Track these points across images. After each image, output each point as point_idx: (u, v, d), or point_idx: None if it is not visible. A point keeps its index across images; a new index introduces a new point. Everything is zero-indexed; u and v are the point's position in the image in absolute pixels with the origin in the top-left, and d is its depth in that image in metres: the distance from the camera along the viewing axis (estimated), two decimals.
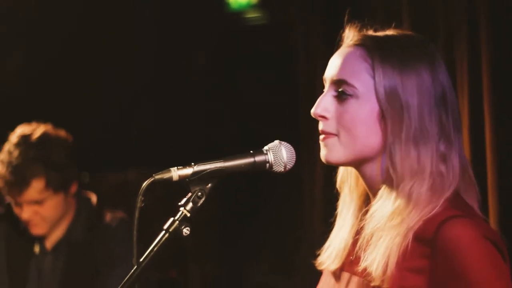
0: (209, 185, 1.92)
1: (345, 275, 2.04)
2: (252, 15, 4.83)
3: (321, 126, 2.00)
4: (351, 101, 1.95)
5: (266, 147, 1.97)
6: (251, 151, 1.96)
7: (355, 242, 2.01)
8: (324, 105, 1.99)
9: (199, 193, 1.91)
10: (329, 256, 2.09)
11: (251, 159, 1.95)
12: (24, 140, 3.43)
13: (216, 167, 1.92)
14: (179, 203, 1.91)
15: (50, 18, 4.60)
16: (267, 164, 1.95)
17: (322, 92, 2.02)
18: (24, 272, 3.56)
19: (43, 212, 3.45)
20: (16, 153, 3.40)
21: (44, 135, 3.46)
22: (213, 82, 4.87)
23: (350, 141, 1.96)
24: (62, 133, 3.53)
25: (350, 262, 2.03)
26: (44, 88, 4.59)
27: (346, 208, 2.09)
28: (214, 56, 4.92)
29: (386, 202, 1.94)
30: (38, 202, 3.43)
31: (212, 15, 4.87)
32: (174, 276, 4.96)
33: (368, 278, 1.91)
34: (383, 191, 1.96)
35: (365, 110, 1.95)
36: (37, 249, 3.56)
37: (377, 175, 1.98)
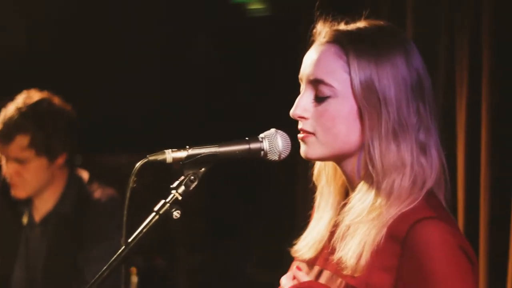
0: (203, 169, 1.91)
1: (316, 269, 2.03)
2: (255, 6, 4.82)
3: (300, 125, 1.98)
4: (329, 100, 1.94)
5: (262, 135, 1.96)
6: (247, 138, 1.95)
7: (331, 235, 2.00)
8: (303, 106, 1.97)
9: (192, 177, 1.89)
10: (305, 245, 2.08)
11: (246, 146, 1.94)
12: (25, 99, 3.50)
13: (211, 151, 1.91)
14: (171, 186, 1.90)
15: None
16: (262, 152, 1.94)
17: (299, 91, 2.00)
18: (15, 245, 3.58)
19: (24, 173, 3.47)
20: (13, 107, 3.48)
21: (44, 99, 3.51)
22: (211, 69, 4.86)
23: (330, 140, 1.94)
24: (67, 106, 3.56)
25: (324, 256, 2.01)
26: (38, 70, 4.58)
27: (325, 201, 2.09)
28: (213, 45, 4.91)
29: (365, 196, 1.93)
30: (21, 161, 3.45)
31: (215, 5, 4.87)
32: (160, 264, 4.95)
33: (341, 266, 1.90)
34: (363, 185, 1.95)
35: (344, 108, 1.93)
36: (25, 220, 3.59)
37: (357, 170, 1.97)
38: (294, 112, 1.98)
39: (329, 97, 1.93)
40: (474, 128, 2.86)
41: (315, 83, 1.95)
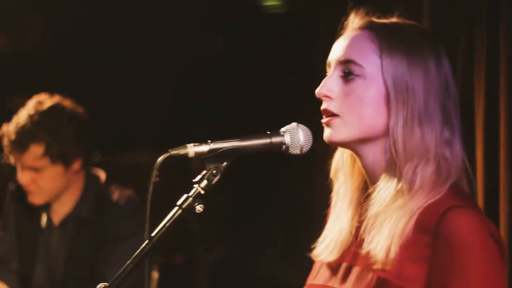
0: (225, 163, 1.91)
1: (344, 266, 2.01)
2: (272, 3, 4.82)
3: (324, 105, 1.98)
4: (358, 81, 1.94)
5: (283, 129, 1.95)
6: (268, 132, 1.95)
7: (357, 231, 2.00)
8: (329, 86, 1.97)
9: (214, 171, 1.89)
10: (327, 247, 2.06)
11: (267, 140, 1.94)
12: (37, 105, 3.47)
13: (233, 145, 1.91)
14: (194, 180, 1.90)
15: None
16: (284, 146, 1.94)
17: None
18: (34, 247, 3.58)
19: (40, 181, 3.46)
20: (25, 115, 3.44)
21: (56, 105, 3.48)
22: (230, 66, 4.87)
23: (355, 121, 1.94)
24: (78, 109, 3.53)
25: (352, 252, 2.00)
26: (58, 68, 4.60)
27: (342, 199, 2.07)
28: (233, 42, 4.91)
29: (389, 184, 1.92)
30: (36, 170, 3.45)
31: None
32: (179, 260, 4.96)
33: (371, 261, 1.90)
34: (386, 174, 1.94)
35: (371, 90, 1.93)
36: (43, 223, 3.58)
37: (380, 158, 1.96)
38: (320, 91, 1.98)
39: (358, 77, 1.94)
40: (493, 126, 2.85)
41: (345, 63, 1.96)
